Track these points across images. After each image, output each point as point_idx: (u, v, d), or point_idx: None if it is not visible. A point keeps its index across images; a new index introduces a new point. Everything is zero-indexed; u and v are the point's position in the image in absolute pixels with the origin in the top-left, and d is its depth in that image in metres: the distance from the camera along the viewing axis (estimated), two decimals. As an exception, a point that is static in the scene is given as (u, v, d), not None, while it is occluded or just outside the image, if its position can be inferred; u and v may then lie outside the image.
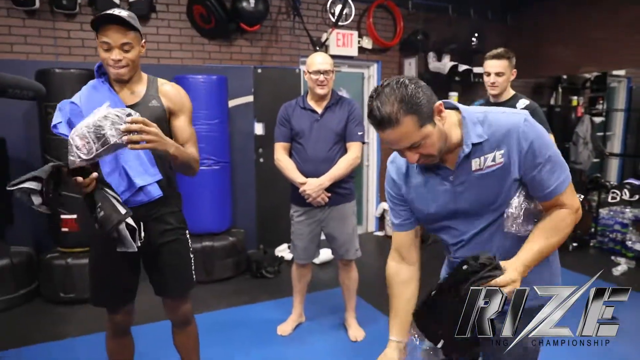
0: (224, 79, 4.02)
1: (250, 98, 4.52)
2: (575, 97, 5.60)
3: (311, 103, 2.80)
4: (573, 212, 1.26)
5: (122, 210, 1.62)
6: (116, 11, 1.71)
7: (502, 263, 1.18)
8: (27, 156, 3.78)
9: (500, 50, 2.75)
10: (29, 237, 3.81)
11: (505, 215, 1.28)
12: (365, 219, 5.70)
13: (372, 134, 5.46)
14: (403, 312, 1.42)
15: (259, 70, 4.55)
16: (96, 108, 1.55)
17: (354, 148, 2.77)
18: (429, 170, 1.34)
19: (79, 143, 1.50)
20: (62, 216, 3.49)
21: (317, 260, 4.37)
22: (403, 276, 1.48)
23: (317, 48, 4.63)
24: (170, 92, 1.90)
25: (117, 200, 1.65)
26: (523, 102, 2.71)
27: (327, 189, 2.72)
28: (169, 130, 1.88)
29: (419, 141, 1.17)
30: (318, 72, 2.69)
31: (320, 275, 4.16)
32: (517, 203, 1.26)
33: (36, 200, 1.49)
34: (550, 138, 2.32)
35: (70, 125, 1.74)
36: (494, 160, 1.24)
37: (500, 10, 5.74)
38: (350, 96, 5.30)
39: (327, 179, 2.69)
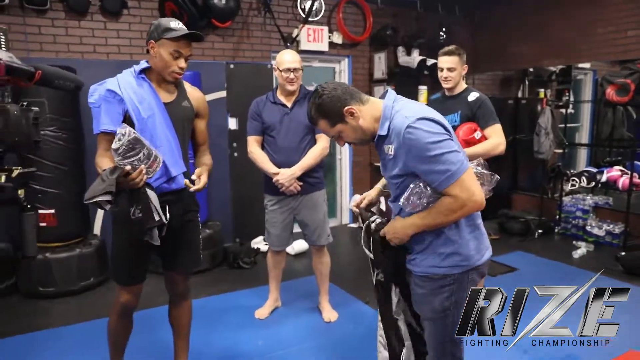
0: (198, 75, 4.08)
1: (223, 93, 4.59)
2: (542, 90, 5.81)
3: (281, 98, 2.93)
4: (459, 202, 1.45)
5: (157, 217, 1.87)
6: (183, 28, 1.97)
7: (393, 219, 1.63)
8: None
9: (451, 47, 2.94)
10: (6, 232, 3.81)
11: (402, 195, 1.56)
12: (340, 211, 5.83)
13: (344, 150, 5.56)
14: None
15: (232, 66, 4.61)
16: (141, 100, 1.95)
17: (322, 139, 2.90)
18: None
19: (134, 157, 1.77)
20: (40, 211, 3.52)
21: (292, 251, 4.48)
22: None
23: (288, 44, 4.73)
24: (196, 95, 2.20)
25: (154, 206, 1.87)
26: (474, 94, 2.88)
27: (299, 178, 2.84)
28: (190, 127, 2.16)
29: (335, 135, 1.61)
30: (288, 70, 2.82)
31: (295, 265, 4.27)
32: (411, 187, 1.51)
33: (107, 206, 1.74)
34: (498, 127, 2.64)
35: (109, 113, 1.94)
36: (389, 150, 1.55)
37: (468, 6, 5.93)
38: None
39: (298, 168, 2.82)
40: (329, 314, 3.14)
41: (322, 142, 2.90)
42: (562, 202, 5.11)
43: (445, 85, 2.95)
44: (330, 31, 5.24)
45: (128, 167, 1.75)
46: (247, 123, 3.00)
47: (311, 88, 2.98)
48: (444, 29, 5.78)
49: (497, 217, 5.38)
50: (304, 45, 5.00)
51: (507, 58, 5.87)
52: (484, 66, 6.11)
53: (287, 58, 2.84)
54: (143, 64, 2.03)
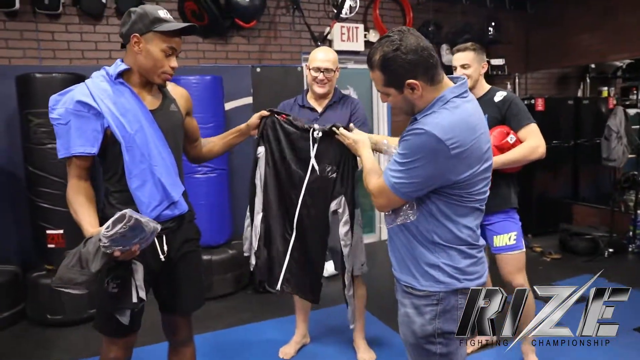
0: (219, 80, 3.73)
1: (249, 99, 4.21)
2: (605, 88, 5.18)
3: (311, 101, 2.55)
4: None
5: (135, 298, 1.55)
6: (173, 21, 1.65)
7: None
8: (8, 165, 3.55)
9: (467, 43, 2.56)
10: (14, 255, 3.58)
11: None
12: (378, 225, 5.35)
13: (381, 133, 5.11)
14: None
15: (258, 70, 4.23)
16: (124, 112, 1.57)
17: None
18: None
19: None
20: (48, 231, 3.25)
21: (325, 273, 4.03)
22: None
23: (319, 43, 4.32)
24: (180, 92, 1.86)
25: (136, 283, 1.56)
26: (500, 94, 2.45)
27: None
28: (182, 136, 1.84)
29: (383, 92, 1.41)
30: (318, 69, 2.45)
31: (326, 289, 3.79)
32: None
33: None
34: (534, 128, 2.36)
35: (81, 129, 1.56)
36: None
37: (519, -3, 5.36)
38: (358, 95, 4.99)
39: None
40: (365, 354, 2.70)
41: None
42: (638, 217, 4.43)
43: None
44: (367, 29, 4.80)
45: (118, 253, 1.38)
46: None
47: (346, 92, 2.60)
48: (492, 24, 5.23)
49: (557, 232, 4.75)
50: (337, 45, 4.57)
51: (565, 53, 5.26)
52: (538, 64, 5.52)
53: (319, 56, 2.46)
54: (120, 65, 1.63)
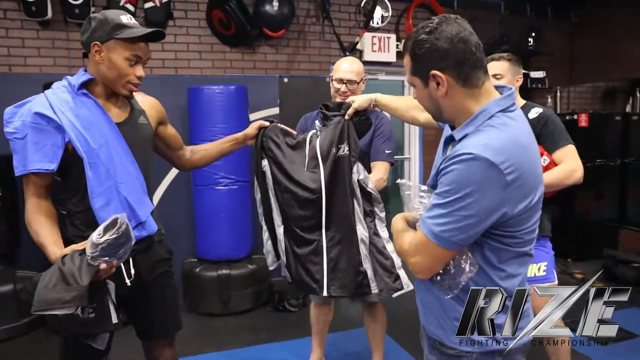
0: (244, 89, 3.65)
1: (275, 110, 4.13)
2: (657, 103, 4.83)
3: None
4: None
5: (115, 318, 1.43)
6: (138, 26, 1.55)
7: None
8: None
9: (503, 53, 2.40)
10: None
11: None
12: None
13: (413, 148, 4.92)
14: None
15: (285, 80, 4.16)
16: (88, 125, 1.47)
17: (378, 168, 2.31)
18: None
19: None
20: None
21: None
22: None
23: (347, 53, 4.19)
24: (150, 103, 1.75)
25: (113, 303, 1.45)
26: (535, 110, 2.24)
27: None
28: (152, 150, 1.75)
29: (410, 83, 1.20)
30: (340, 80, 2.32)
31: (347, 311, 3.64)
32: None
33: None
34: (571, 149, 2.12)
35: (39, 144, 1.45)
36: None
37: (563, 5, 5.08)
38: (389, 108, 4.83)
39: None
40: (384, 384, 2.49)
41: (379, 172, 2.30)
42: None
43: None
44: (399, 39, 4.64)
45: (104, 266, 1.28)
46: None
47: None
48: (532, 34, 4.97)
49: (600, 257, 4.41)
50: (367, 56, 4.44)
51: (613, 65, 4.94)
52: (582, 76, 5.22)
53: (342, 66, 2.33)
54: (83, 75, 1.52)
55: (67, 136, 1.44)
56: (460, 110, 1.14)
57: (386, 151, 2.34)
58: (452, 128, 1.20)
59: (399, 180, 1.28)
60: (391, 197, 5.15)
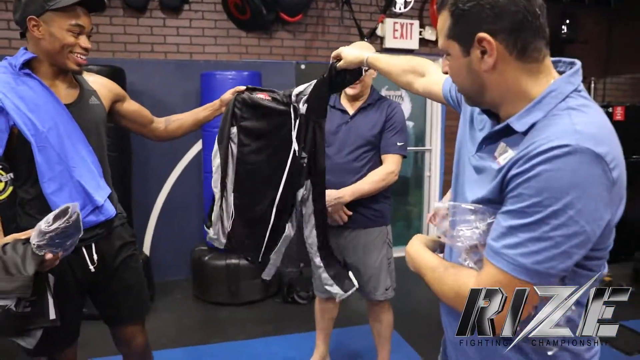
0: (258, 75, 3.55)
1: (292, 97, 4.03)
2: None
3: (344, 102, 2.30)
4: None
5: (53, 314, 1.36)
6: None
7: None
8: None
9: None
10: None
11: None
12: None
13: (434, 140, 4.74)
14: None
15: (303, 66, 4.04)
16: (34, 107, 1.40)
17: (389, 161, 2.20)
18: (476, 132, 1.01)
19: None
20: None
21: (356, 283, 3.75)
22: None
23: (366, 39, 4.03)
24: (101, 82, 1.68)
25: (52, 298, 1.38)
26: None
27: (351, 208, 2.15)
28: (106, 132, 1.66)
29: (444, 50, 0.93)
30: None
31: (350, 308, 3.52)
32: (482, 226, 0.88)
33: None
34: None
35: None
36: (501, 155, 0.87)
37: (601, -10, 4.77)
38: (410, 99, 4.65)
39: (348, 192, 2.13)
40: (388, 384, 2.39)
41: (390, 165, 2.19)
42: None
43: None
44: (422, 26, 4.43)
45: (49, 256, 1.21)
46: None
47: (384, 93, 2.31)
48: (567, 21, 4.68)
49: (631, 260, 4.16)
50: (389, 43, 4.27)
51: (655, 55, 4.61)
52: (620, 66, 4.90)
53: None
54: (25, 54, 1.45)
55: (10, 119, 1.38)
56: (513, 90, 0.86)
57: (398, 143, 2.21)
58: (492, 115, 0.95)
59: (436, 204, 1.01)
60: (411, 189, 4.99)
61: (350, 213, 2.16)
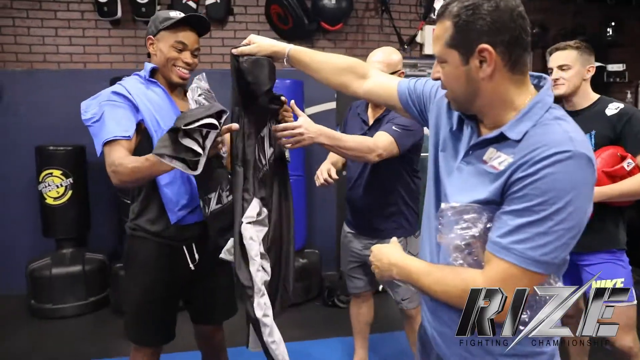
0: (300, 84, 3.66)
1: (332, 104, 4.12)
2: None
3: (368, 110, 2.27)
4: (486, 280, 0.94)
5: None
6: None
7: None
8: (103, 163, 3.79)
9: (570, 41, 2.13)
10: (104, 245, 3.82)
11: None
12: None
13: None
14: None
15: (343, 74, 4.11)
16: (159, 109, 1.60)
17: (377, 135, 2.00)
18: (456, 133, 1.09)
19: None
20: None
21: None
22: None
23: (406, 46, 4.08)
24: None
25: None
26: (615, 106, 1.96)
27: (367, 219, 2.25)
28: None
29: (440, 57, 0.99)
30: None
31: (388, 311, 3.53)
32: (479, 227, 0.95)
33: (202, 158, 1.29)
34: None
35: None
36: (494, 160, 0.96)
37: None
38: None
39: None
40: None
41: (376, 139, 1.97)
42: None
43: (556, 91, 2.03)
44: (462, 32, 4.44)
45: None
46: None
47: None
48: (612, 24, 4.57)
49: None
50: (428, 49, 4.29)
51: None
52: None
53: (375, 57, 2.15)
54: (150, 65, 1.66)
55: (140, 115, 1.56)
56: (502, 99, 0.95)
57: (393, 127, 2.00)
58: (473, 120, 1.03)
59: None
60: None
61: (332, 180, 2.10)
